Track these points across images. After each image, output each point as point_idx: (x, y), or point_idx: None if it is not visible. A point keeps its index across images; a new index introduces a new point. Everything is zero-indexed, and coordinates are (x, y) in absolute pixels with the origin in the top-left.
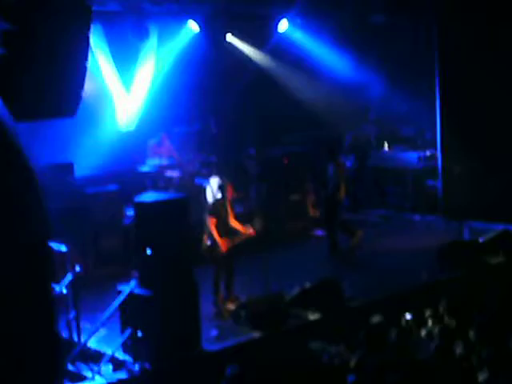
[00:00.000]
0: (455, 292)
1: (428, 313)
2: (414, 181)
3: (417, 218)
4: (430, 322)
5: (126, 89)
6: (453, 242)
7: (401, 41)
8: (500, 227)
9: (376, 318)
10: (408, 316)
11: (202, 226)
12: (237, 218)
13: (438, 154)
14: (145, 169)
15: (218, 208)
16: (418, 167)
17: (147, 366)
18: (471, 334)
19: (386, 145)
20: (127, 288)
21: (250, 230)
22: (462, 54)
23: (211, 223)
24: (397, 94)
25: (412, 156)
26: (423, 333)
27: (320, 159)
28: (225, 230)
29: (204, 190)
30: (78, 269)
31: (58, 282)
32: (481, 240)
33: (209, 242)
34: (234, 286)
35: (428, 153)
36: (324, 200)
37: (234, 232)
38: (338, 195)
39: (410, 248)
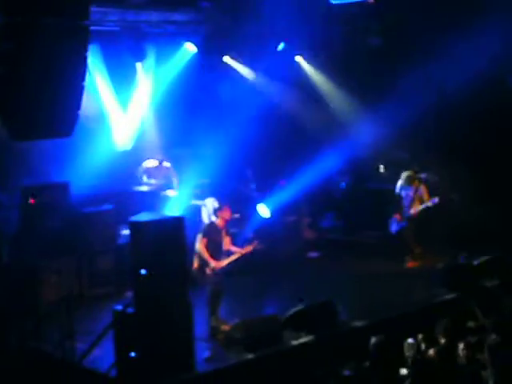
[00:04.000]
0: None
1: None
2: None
3: None
4: (422, 346)
5: (123, 109)
6: (449, 264)
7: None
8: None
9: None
10: (410, 340)
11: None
12: (233, 240)
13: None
14: (140, 189)
15: (211, 230)
16: None
17: None
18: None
19: (381, 167)
20: (121, 308)
21: (247, 248)
22: None
23: (202, 244)
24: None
25: None
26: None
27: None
28: (219, 252)
29: (199, 210)
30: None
31: (52, 302)
32: (475, 263)
33: (198, 263)
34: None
35: (423, 176)
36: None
37: (229, 254)
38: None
39: (406, 270)
